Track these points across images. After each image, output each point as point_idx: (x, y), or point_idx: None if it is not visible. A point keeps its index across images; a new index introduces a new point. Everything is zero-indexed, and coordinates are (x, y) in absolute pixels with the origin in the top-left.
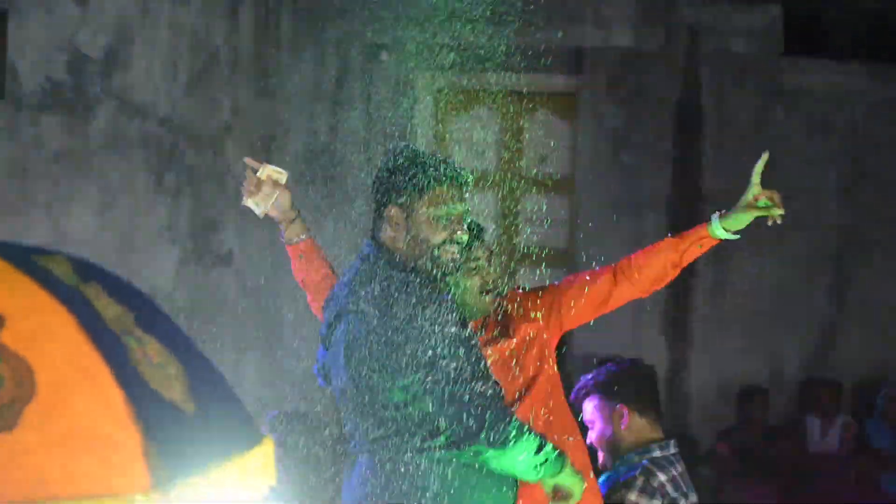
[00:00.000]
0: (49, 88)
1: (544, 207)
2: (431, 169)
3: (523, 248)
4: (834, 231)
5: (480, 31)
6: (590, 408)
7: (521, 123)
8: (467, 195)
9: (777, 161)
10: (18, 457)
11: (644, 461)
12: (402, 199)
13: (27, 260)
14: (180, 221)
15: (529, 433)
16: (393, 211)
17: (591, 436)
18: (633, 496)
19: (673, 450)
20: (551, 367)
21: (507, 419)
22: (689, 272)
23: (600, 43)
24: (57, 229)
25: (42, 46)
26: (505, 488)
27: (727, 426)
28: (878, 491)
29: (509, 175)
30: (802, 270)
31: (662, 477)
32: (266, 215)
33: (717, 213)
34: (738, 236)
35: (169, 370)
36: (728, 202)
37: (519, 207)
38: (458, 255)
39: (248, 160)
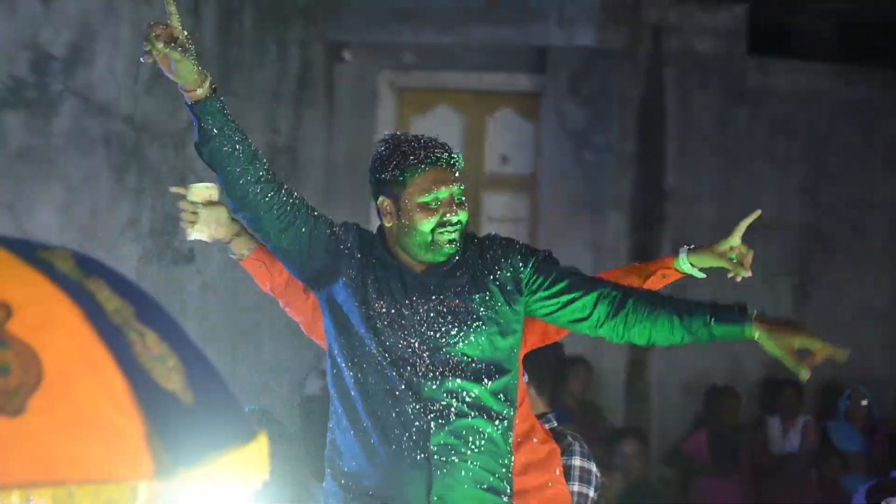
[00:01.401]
0: (11, 86)
1: (506, 206)
2: (412, 157)
3: None
4: (797, 231)
5: (443, 30)
6: None
7: (484, 123)
8: (458, 175)
9: (741, 161)
10: (25, 441)
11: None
12: (389, 190)
13: (32, 253)
14: (142, 219)
15: None
16: (384, 203)
17: None
18: (577, 461)
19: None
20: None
21: None
22: None
23: (564, 42)
24: (19, 227)
25: (4, 44)
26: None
27: (693, 425)
28: (840, 492)
29: (471, 174)
30: (765, 270)
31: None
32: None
33: (685, 247)
34: (703, 274)
35: (168, 362)
36: (691, 202)
37: (481, 206)
38: (456, 237)
39: (173, 189)
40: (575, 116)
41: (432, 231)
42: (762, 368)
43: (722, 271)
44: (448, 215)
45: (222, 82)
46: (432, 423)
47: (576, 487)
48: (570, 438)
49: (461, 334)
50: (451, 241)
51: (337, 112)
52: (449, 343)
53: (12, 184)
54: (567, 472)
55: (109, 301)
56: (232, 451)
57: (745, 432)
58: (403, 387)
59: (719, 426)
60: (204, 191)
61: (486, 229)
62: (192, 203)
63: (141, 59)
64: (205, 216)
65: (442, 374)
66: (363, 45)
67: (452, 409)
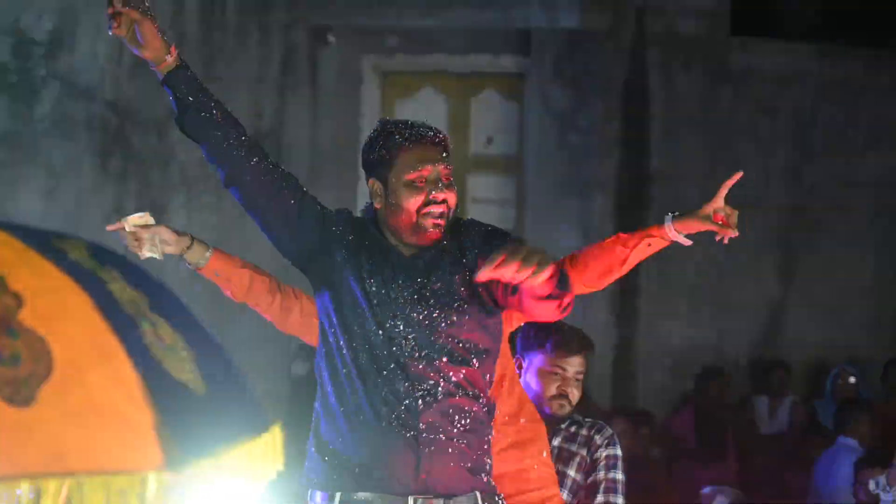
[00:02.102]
0: None
1: (491, 188)
2: (397, 135)
3: None
4: (781, 212)
5: (427, 13)
6: None
7: (468, 105)
8: (445, 156)
9: (724, 142)
10: (36, 431)
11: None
12: (377, 171)
13: (47, 243)
14: (126, 204)
15: None
16: (374, 185)
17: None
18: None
19: None
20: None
21: None
22: None
23: (547, 24)
24: (2, 212)
25: None
26: None
27: (680, 405)
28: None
29: (456, 156)
30: (750, 251)
31: None
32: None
33: (670, 214)
34: (690, 242)
35: (180, 353)
36: (675, 183)
37: (466, 188)
38: (442, 219)
39: (109, 228)
40: (559, 98)
41: (418, 211)
42: (749, 348)
43: (706, 252)
44: (434, 193)
45: (206, 67)
46: (420, 402)
47: (619, 475)
48: (609, 429)
49: (443, 316)
50: (436, 226)
51: (321, 96)
52: (433, 325)
53: None
54: (614, 461)
55: (123, 291)
56: (245, 442)
57: (732, 412)
58: (393, 366)
59: (706, 405)
60: (138, 219)
61: (472, 211)
62: (132, 231)
63: (108, 32)
64: (148, 239)
65: (428, 354)
66: (347, 29)
67: (440, 388)
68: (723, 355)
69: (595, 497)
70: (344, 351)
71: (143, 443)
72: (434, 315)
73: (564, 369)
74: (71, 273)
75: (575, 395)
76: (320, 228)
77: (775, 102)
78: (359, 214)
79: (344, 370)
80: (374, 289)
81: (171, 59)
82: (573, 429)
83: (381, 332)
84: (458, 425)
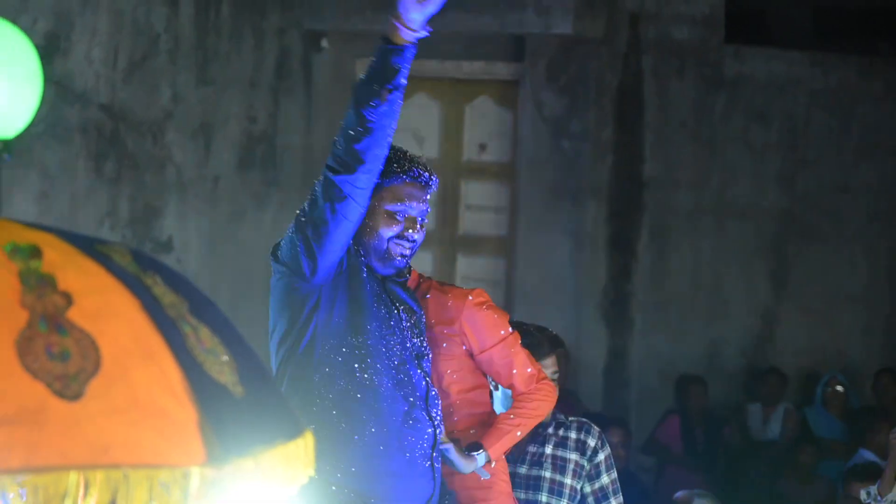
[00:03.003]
0: None
1: (485, 194)
2: (395, 164)
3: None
4: (774, 218)
5: None
6: None
7: (461, 111)
8: (428, 198)
9: (718, 149)
10: (83, 424)
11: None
12: None
13: (91, 247)
14: (120, 208)
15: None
16: None
17: None
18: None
19: None
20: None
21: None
22: (629, 257)
23: (541, 30)
24: None
25: None
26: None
27: (667, 413)
28: (816, 478)
29: (449, 162)
30: (742, 258)
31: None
32: None
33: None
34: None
35: (220, 356)
36: (668, 190)
37: (459, 194)
38: (408, 254)
39: None
40: (553, 104)
41: (389, 240)
42: (741, 356)
43: (698, 259)
44: (409, 231)
45: (200, 71)
46: (437, 431)
47: (615, 473)
48: (595, 427)
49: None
50: (402, 255)
51: (315, 100)
52: (425, 353)
53: None
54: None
55: (165, 295)
56: (279, 445)
57: (723, 419)
58: (419, 393)
59: (690, 413)
60: None
61: (465, 217)
62: None
63: None
64: None
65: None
66: (341, 34)
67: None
68: (715, 363)
69: (604, 501)
70: (366, 373)
71: (186, 439)
72: (426, 344)
73: None
74: (117, 275)
75: None
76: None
77: (768, 109)
78: None
79: (361, 394)
80: (382, 312)
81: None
82: (561, 432)
83: (398, 357)
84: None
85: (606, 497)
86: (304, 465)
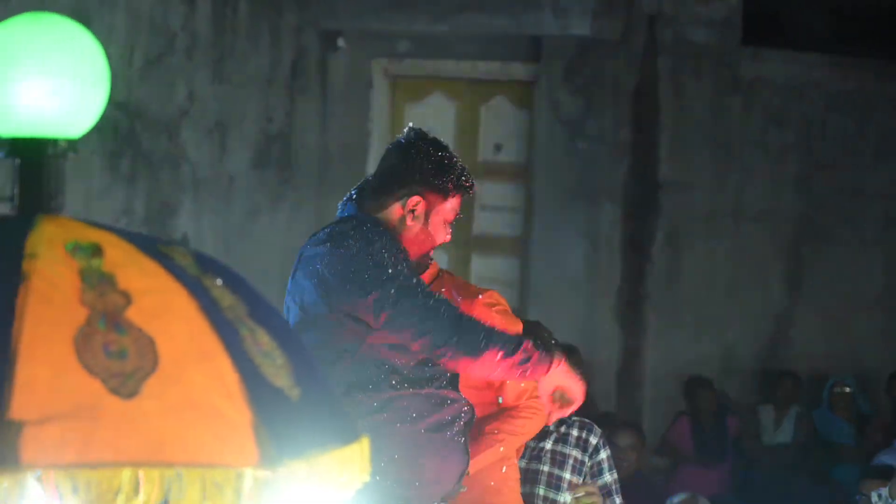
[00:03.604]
0: None
1: (500, 195)
2: (464, 178)
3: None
4: (790, 221)
5: (437, 18)
6: None
7: (477, 111)
8: None
9: (734, 151)
10: (138, 422)
11: None
12: (429, 195)
13: (153, 247)
14: (136, 206)
15: (501, 334)
16: (418, 204)
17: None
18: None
19: None
20: None
21: (476, 323)
22: (644, 259)
23: (558, 31)
24: None
25: None
26: (452, 455)
27: (677, 415)
28: (828, 482)
29: (465, 162)
30: (758, 260)
31: None
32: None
33: None
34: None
35: (277, 360)
36: (684, 192)
37: (475, 195)
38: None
39: None
40: (569, 105)
41: (435, 246)
42: (756, 359)
43: (713, 261)
44: (448, 237)
45: (216, 69)
46: (468, 407)
47: (616, 475)
48: (597, 427)
49: None
50: (430, 258)
51: (330, 100)
52: None
53: (3, 172)
54: (612, 461)
55: (224, 297)
56: (334, 450)
57: (735, 421)
58: (447, 374)
59: (699, 415)
60: None
61: (480, 218)
62: None
63: None
64: None
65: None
66: (357, 33)
67: None
68: (730, 365)
69: (608, 499)
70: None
71: (240, 440)
72: None
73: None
74: (177, 276)
75: None
76: None
77: (785, 112)
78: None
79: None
80: None
81: None
82: (562, 429)
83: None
84: None
85: (610, 495)
86: (358, 470)
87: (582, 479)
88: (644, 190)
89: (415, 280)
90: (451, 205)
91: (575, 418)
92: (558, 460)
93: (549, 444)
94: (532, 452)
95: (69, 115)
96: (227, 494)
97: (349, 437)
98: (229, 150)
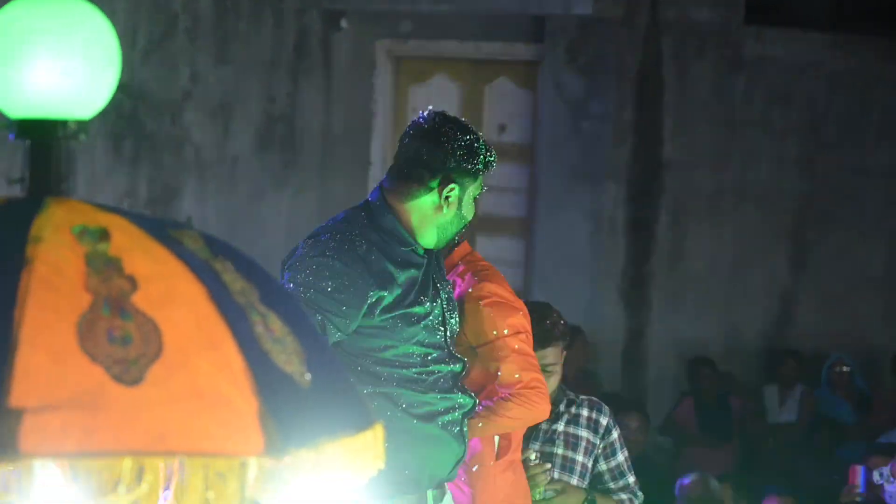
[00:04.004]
0: None
1: (504, 176)
2: (489, 154)
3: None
4: (793, 201)
5: None
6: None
7: (481, 92)
8: None
9: (737, 131)
10: (141, 410)
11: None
12: (463, 180)
13: (162, 231)
14: (139, 188)
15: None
16: (453, 190)
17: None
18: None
19: None
20: None
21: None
22: (648, 239)
23: (561, 11)
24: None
25: None
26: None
27: (681, 396)
28: (833, 460)
29: None
30: (761, 240)
31: None
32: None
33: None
34: None
35: (288, 346)
36: (688, 172)
37: None
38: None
39: None
40: (573, 86)
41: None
42: (760, 338)
43: (717, 241)
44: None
45: (219, 51)
46: (473, 400)
47: (626, 453)
48: (605, 405)
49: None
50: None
51: (334, 81)
52: (455, 329)
53: (7, 154)
54: (622, 440)
55: (235, 282)
56: (345, 438)
57: (739, 401)
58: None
59: (702, 395)
60: None
61: (484, 199)
62: None
63: None
64: None
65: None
66: (360, 14)
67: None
68: (735, 344)
69: (618, 480)
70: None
71: (245, 428)
72: (457, 317)
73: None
74: (186, 261)
75: (549, 385)
76: (375, 286)
77: (788, 91)
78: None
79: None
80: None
81: None
82: (573, 409)
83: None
84: None
85: (623, 475)
86: (371, 458)
87: (592, 462)
88: (648, 170)
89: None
90: (477, 184)
91: (584, 397)
92: (571, 442)
93: (561, 426)
94: (545, 435)
95: (80, 97)
96: (230, 484)
97: (362, 424)
98: (232, 132)
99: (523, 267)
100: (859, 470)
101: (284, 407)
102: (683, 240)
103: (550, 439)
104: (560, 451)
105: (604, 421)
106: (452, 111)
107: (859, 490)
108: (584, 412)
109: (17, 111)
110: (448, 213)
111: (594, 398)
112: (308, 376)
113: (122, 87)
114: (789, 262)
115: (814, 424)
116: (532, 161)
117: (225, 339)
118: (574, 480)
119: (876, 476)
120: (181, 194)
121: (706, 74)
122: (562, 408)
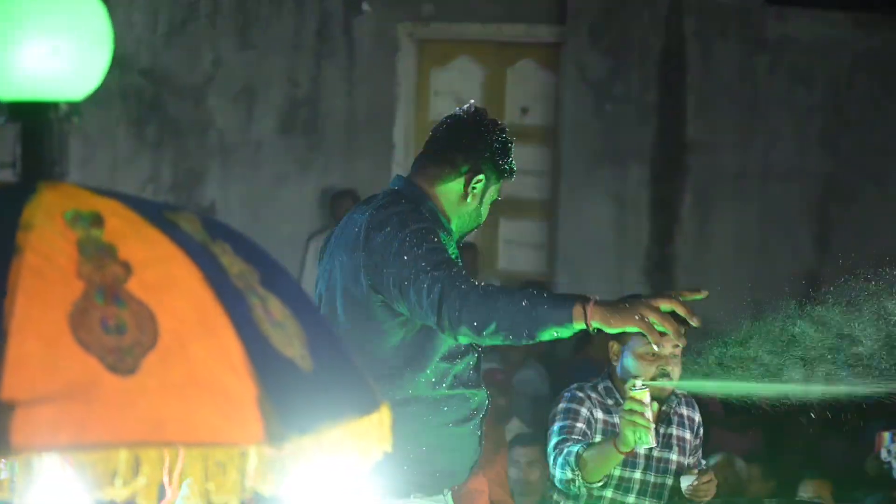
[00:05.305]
0: None
1: (527, 158)
2: (514, 162)
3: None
4: (817, 180)
5: None
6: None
7: (504, 74)
8: None
9: (760, 111)
10: (137, 400)
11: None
12: (490, 174)
13: (158, 215)
14: (162, 173)
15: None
16: (479, 182)
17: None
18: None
19: None
20: None
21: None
22: (672, 220)
23: None
24: None
25: None
26: (469, 448)
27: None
28: (861, 440)
29: None
30: (785, 220)
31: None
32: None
33: None
34: None
35: (289, 329)
36: (711, 153)
37: None
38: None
39: None
40: (595, 67)
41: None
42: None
43: (741, 222)
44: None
45: (241, 35)
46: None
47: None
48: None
49: None
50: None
51: (356, 64)
52: None
53: (7, 138)
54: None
55: (233, 265)
56: (349, 421)
57: None
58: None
59: None
60: None
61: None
62: None
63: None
64: None
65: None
66: None
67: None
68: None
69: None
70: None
71: (245, 417)
72: None
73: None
74: (182, 245)
75: (676, 372)
76: None
77: (811, 71)
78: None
79: (461, 382)
80: None
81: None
82: (677, 408)
83: None
84: None
85: (700, 462)
86: (377, 442)
87: (687, 459)
88: (671, 151)
89: (436, 261)
90: (500, 185)
91: (680, 393)
92: (680, 446)
93: (674, 430)
94: (663, 440)
95: (70, 77)
96: (230, 474)
97: (367, 407)
98: (255, 116)
99: (547, 249)
100: (886, 436)
101: (285, 392)
102: (707, 220)
103: (668, 444)
104: (675, 457)
105: (696, 418)
106: (475, 93)
107: (888, 456)
108: (683, 410)
109: (6, 93)
110: (470, 205)
111: (683, 394)
112: (309, 360)
113: (144, 72)
114: (813, 241)
115: (842, 403)
116: (555, 143)
117: (222, 324)
118: (669, 481)
119: (884, 453)
120: (205, 179)
121: (729, 55)
122: (673, 407)
